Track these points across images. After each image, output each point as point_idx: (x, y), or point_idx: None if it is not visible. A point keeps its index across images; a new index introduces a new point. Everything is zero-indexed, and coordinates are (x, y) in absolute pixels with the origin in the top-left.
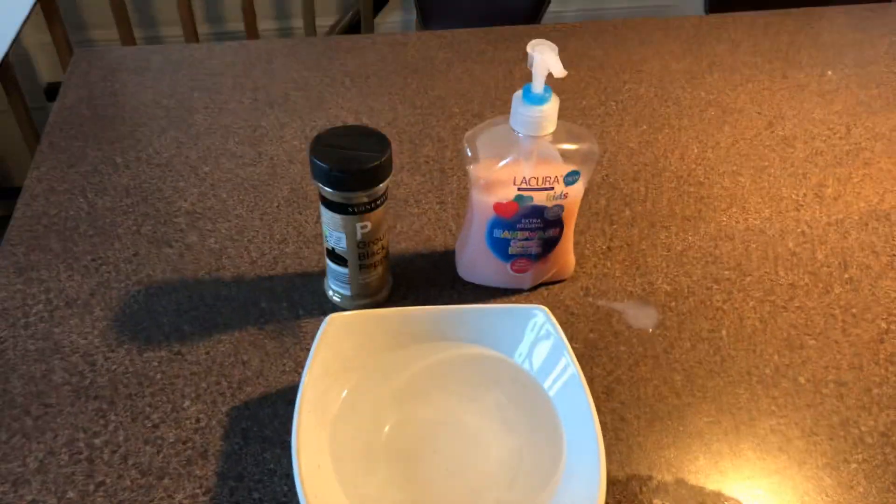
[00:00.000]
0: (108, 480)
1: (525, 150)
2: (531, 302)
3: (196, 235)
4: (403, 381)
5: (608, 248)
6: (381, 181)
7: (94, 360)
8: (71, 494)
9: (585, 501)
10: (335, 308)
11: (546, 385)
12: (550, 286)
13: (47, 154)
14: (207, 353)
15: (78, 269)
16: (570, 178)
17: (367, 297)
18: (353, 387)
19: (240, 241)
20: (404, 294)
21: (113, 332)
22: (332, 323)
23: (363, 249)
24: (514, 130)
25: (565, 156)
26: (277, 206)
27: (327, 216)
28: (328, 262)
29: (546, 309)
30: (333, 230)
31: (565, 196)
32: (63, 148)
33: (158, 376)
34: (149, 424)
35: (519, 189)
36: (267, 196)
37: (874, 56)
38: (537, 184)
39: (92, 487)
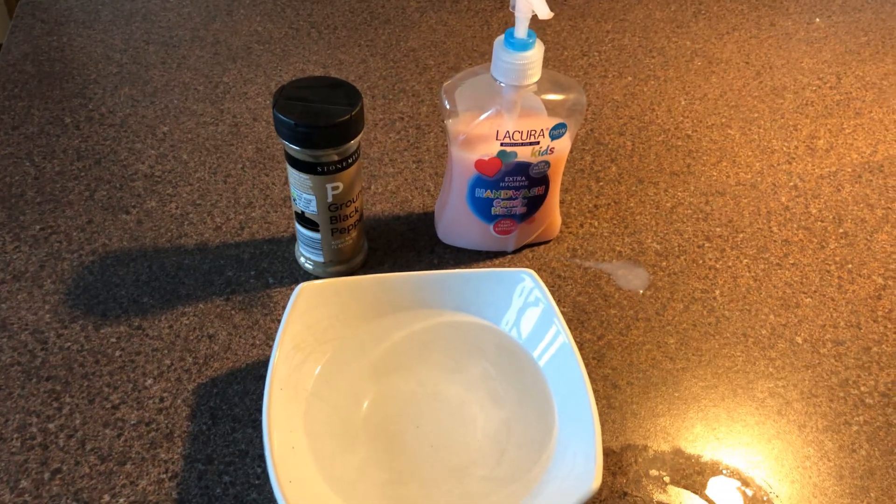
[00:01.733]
0: (64, 467)
1: (508, 102)
2: (516, 265)
3: (155, 201)
4: (382, 352)
5: (594, 206)
6: (353, 137)
7: (45, 337)
8: (24, 483)
9: (581, 476)
10: (307, 276)
11: (535, 354)
12: (535, 248)
13: None
14: (170, 327)
15: (25, 239)
16: (557, 132)
17: (340, 264)
18: (327, 360)
19: (202, 206)
20: (381, 260)
21: (66, 307)
22: (303, 292)
23: (335, 212)
24: (495, 80)
25: (550, 107)
26: (242, 168)
27: (295, 177)
28: (298, 226)
29: (534, 273)
30: (302, 192)
31: (551, 151)
32: (6, 108)
33: (117, 353)
34: (108, 406)
35: (502, 144)
36: (230, 157)
37: (861, 2)
38: (521, 138)
39: (47, 475)
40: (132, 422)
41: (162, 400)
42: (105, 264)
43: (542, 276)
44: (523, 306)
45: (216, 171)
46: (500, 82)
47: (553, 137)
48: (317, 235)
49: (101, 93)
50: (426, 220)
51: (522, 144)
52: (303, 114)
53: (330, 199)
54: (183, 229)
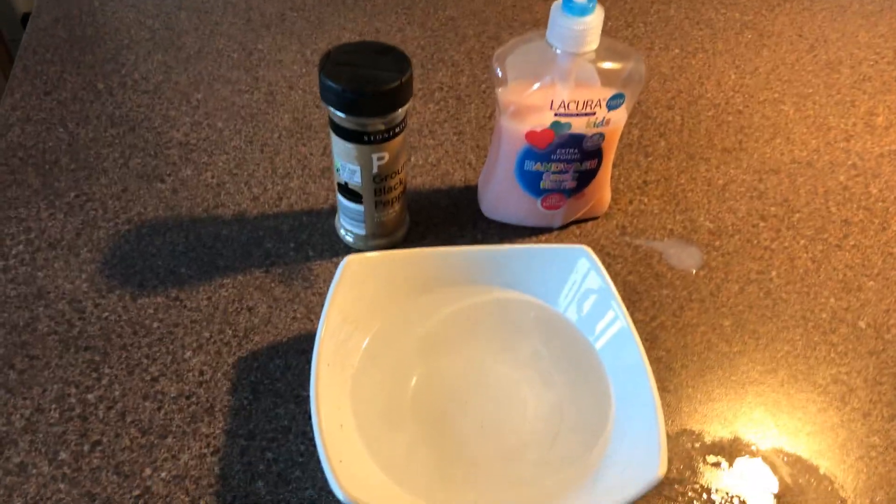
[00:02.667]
0: (104, 439)
1: (563, 70)
2: (563, 241)
3: (191, 169)
4: (429, 329)
5: (644, 182)
6: (401, 105)
7: (82, 307)
8: (63, 455)
9: (644, 463)
10: (348, 249)
11: (591, 337)
12: (583, 224)
13: (21, 80)
14: (209, 298)
15: (61, 206)
16: (614, 102)
17: (382, 237)
18: (373, 336)
19: (239, 176)
20: (422, 234)
21: (102, 277)
22: (350, 265)
23: (380, 184)
24: (551, 47)
25: (606, 77)
26: (279, 137)
27: (339, 146)
28: (340, 198)
29: (590, 251)
30: (346, 162)
31: (607, 123)
32: (38, 73)
33: (155, 325)
34: (147, 378)
35: (556, 115)
36: (266, 126)
37: None
38: (577, 109)
39: (87, 448)
40: (172, 395)
41: (202, 373)
42: (141, 233)
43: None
44: (579, 286)
45: (252, 140)
46: (556, 49)
47: (610, 108)
48: (360, 208)
49: (133, 59)
50: (468, 194)
51: (577, 115)
52: (351, 79)
53: (375, 170)
54: (220, 199)
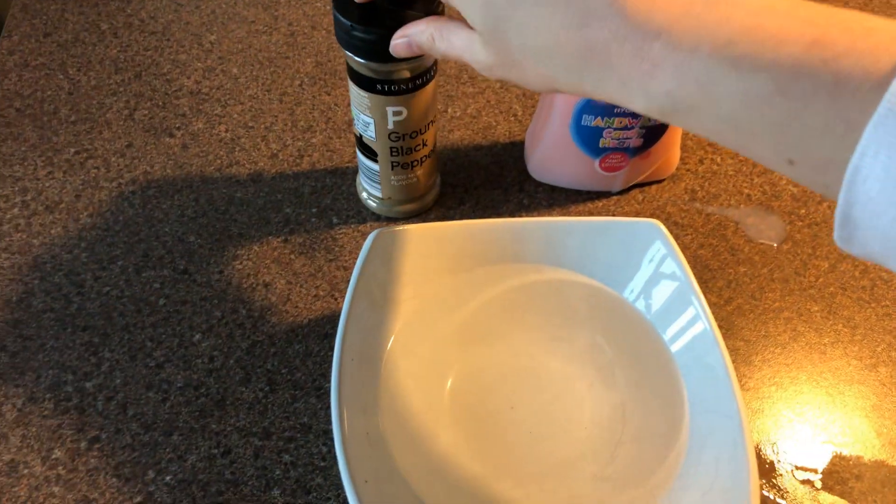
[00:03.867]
0: (103, 435)
1: None
2: (623, 208)
3: (202, 122)
4: (469, 314)
5: None
6: None
7: (81, 280)
8: (58, 454)
9: (729, 489)
10: (374, 216)
11: (665, 335)
12: (645, 188)
13: (20, 20)
14: (221, 272)
15: (59, 164)
16: None
17: (407, 202)
18: (405, 324)
19: (255, 129)
20: (459, 198)
21: (104, 245)
22: (379, 240)
23: (396, 143)
24: None
25: None
26: (300, 85)
27: (353, 92)
28: (358, 152)
29: (663, 228)
30: (360, 112)
31: None
32: (37, 12)
33: (161, 302)
34: (151, 364)
35: None
36: (287, 72)
37: None
38: None
39: (84, 445)
40: (178, 384)
41: (212, 359)
42: (147, 195)
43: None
44: (650, 269)
45: (270, 89)
46: None
47: None
48: (376, 167)
49: None
50: (513, 152)
51: None
52: (366, 15)
53: (391, 126)
54: (234, 156)
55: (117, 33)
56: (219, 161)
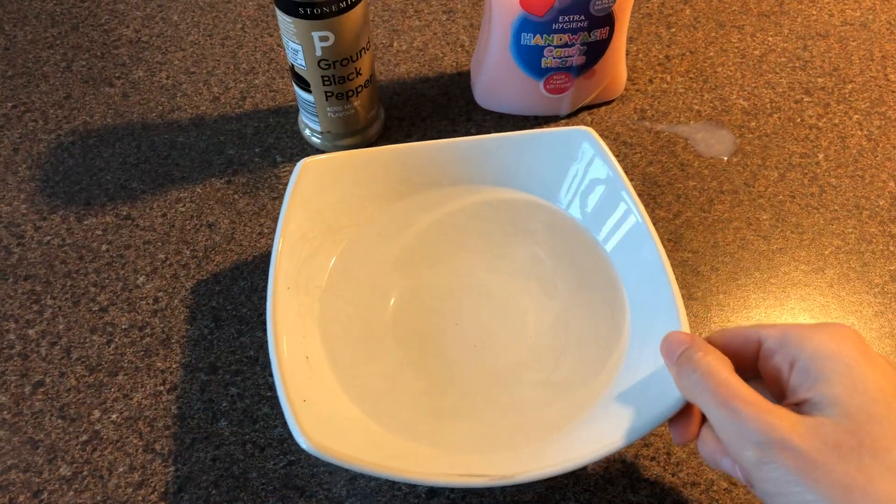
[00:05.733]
0: (47, 379)
1: None
2: None
3: (143, 70)
4: (408, 239)
5: (666, 57)
6: None
7: (21, 231)
8: (2, 398)
9: (665, 383)
10: (317, 152)
11: (598, 236)
12: (594, 110)
13: None
14: (164, 215)
15: None
16: None
17: (348, 136)
18: (343, 252)
19: (197, 75)
20: (407, 131)
21: (44, 196)
22: (306, 170)
23: (327, 72)
24: None
25: None
26: (242, 28)
27: (280, 18)
28: (293, 84)
29: (593, 133)
30: (288, 39)
31: None
32: None
33: (104, 248)
34: (95, 308)
35: None
36: (228, 16)
37: None
38: None
39: (28, 389)
40: (123, 326)
41: (156, 300)
42: (87, 145)
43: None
44: (582, 176)
45: (212, 34)
46: None
47: None
48: (310, 97)
49: None
50: (461, 82)
51: None
52: None
53: (319, 53)
54: (175, 102)
55: None
56: (160, 108)
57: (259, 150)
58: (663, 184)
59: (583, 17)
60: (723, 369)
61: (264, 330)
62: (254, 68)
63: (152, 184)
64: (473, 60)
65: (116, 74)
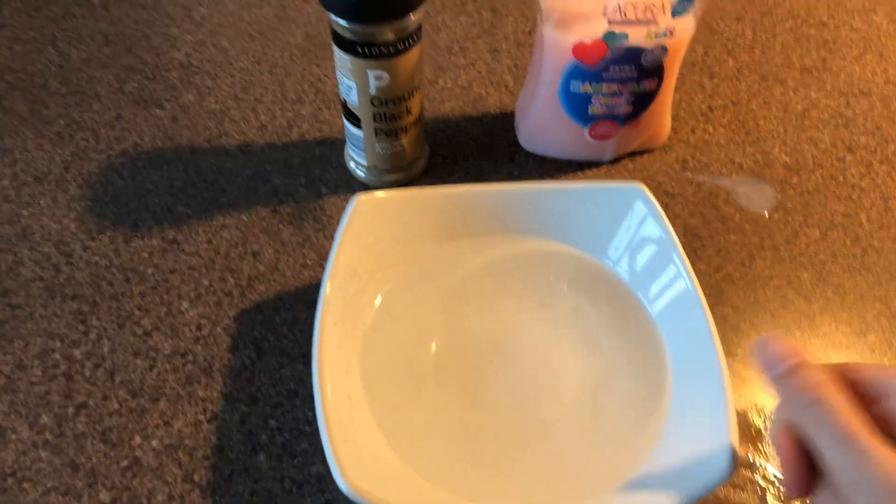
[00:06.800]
0: (91, 402)
1: None
2: (613, 178)
3: (192, 94)
4: (453, 281)
5: (709, 107)
6: (408, 10)
7: (70, 250)
8: (45, 419)
9: (708, 451)
10: (363, 186)
11: (647, 297)
12: (636, 157)
13: None
14: (209, 241)
15: (49, 136)
16: (681, 7)
17: (394, 171)
18: (389, 290)
19: (245, 101)
20: (449, 169)
21: (93, 216)
22: (361, 206)
23: (379, 109)
24: None
25: None
26: (290, 57)
27: (336, 55)
28: (343, 118)
29: (646, 190)
30: (343, 75)
31: (671, 33)
32: None
33: (150, 271)
34: (139, 332)
35: (610, 22)
36: (277, 44)
37: None
38: (635, 15)
39: (71, 410)
40: (166, 352)
41: (199, 327)
42: (136, 167)
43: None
44: (633, 234)
45: (260, 61)
46: None
47: (676, 14)
48: (360, 133)
49: None
50: (504, 123)
51: (636, 24)
52: None
53: (373, 91)
54: (223, 127)
55: (108, 7)
56: (208, 132)
57: (305, 180)
58: (704, 236)
59: (633, 68)
60: (844, 402)
61: (305, 363)
62: (301, 98)
63: (198, 209)
64: (519, 102)
65: (167, 97)
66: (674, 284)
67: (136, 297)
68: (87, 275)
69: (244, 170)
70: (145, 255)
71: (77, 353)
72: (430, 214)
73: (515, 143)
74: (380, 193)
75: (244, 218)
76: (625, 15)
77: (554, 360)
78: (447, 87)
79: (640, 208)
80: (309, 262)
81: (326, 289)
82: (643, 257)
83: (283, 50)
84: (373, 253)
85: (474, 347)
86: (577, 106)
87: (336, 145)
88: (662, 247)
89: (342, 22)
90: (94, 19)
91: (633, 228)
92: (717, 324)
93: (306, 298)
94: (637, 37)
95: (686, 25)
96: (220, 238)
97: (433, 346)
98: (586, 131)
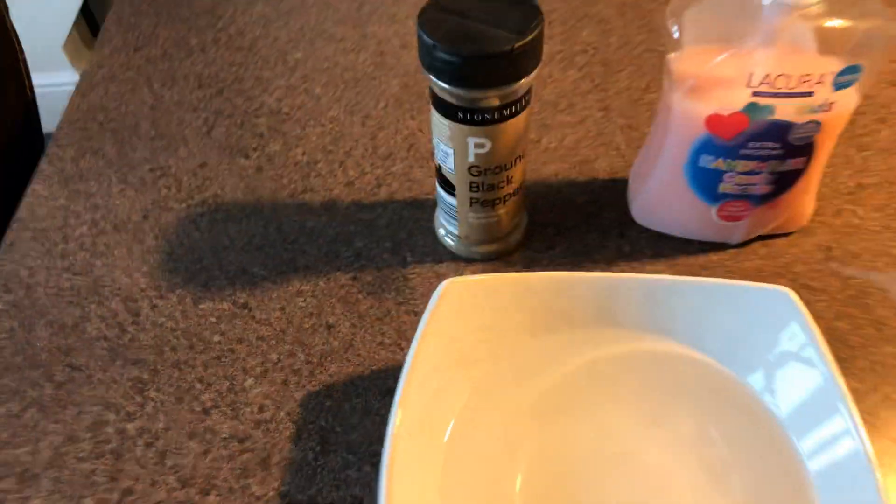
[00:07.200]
0: (138, 487)
1: (770, 30)
2: (740, 264)
3: (279, 143)
4: (549, 384)
5: (858, 185)
6: (519, 77)
7: (138, 307)
8: (88, 502)
9: None
10: (451, 255)
11: (801, 445)
12: (769, 240)
13: (113, 34)
14: (282, 309)
15: (133, 181)
16: (846, 79)
17: (487, 243)
18: (474, 391)
19: (334, 154)
20: (549, 240)
21: (164, 271)
22: (449, 292)
23: (477, 178)
24: None
25: (830, 40)
26: (384, 108)
27: (434, 118)
28: (437, 183)
29: (795, 297)
30: (440, 141)
31: (828, 107)
32: (132, 26)
33: (216, 338)
34: (198, 409)
35: (755, 94)
36: (371, 93)
37: None
38: (788, 85)
39: (116, 496)
40: (223, 435)
41: (262, 409)
42: (215, 219)
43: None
44: (784, 358)
45: (353, 111)
46: (765, 0)
47: (838, 87)
48: (454, 201)
49: (232, 10)
50: (615, 191)
51: (788, 96)
52: (450, 33)
53: (471, 160)
54: (309, 182)
55: (205, 48)
56: (293, 186)
57: (390, 244)
58: (855, 345)
59: (777, 145)
60: None
61: (373, 464)
62: (392, 153)
63: (274, 270)
64: (633, 169)
65: (253, 146)
66: (838, 441)
67: (198, 368)
68: (151, 337)
69: (327, 229)
70: (213, 319)
71: (130, 427)
72: (525, 302)
73: (627, 214)
74: (472, 278)
75: (322, 284)
76: (775, 84)
77: (668, 497)
78: (551, 146)
79: (794, 330)
80: (387, 340)
81: (404, 386)
82: (796, 390)
83: (378, 100)
84: (459, 345)
85: (570, 470)
86: (706, 183)
87: (426, 207)
88: (823, 385)
89: (443, 85)
90: (191, 61)
91: (785, 350)
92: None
93: (381, 385)
94: (786, 110)
95: (848, 99)
96: (294, 306)
97: (523, 465)
98: (714, 211)
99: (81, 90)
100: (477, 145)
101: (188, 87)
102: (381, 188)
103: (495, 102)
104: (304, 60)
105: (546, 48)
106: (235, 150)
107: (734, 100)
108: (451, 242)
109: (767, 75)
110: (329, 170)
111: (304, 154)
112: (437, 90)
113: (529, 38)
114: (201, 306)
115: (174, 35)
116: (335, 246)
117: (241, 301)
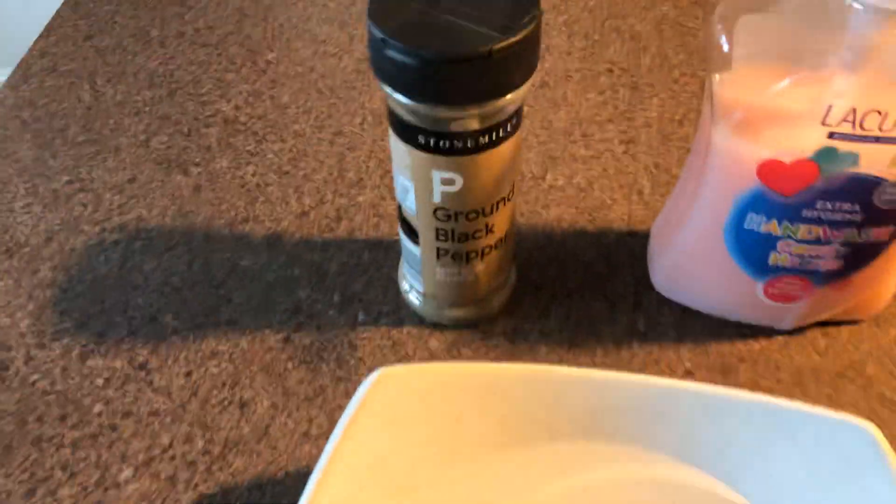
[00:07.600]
0: None
1: (860, 47)
2: (791, 359)
3: (228, 159)
4: None
5: None
6: (502, 91)
7: (10, 358)
8: None
9: None
10: (416, 318)
11: None
12: (830, 328)
13: (65, 19)
14: (188, 374)
15: (44, 194)
16: None
17: (461, 306)
18: None
19: (291, 176)
20: (543, 307)
21: (55, 312)
22: (382, 387)
23: (445, 224)
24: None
25: None
26: (361, 124)
27: (392, 141)
28: (399, 228)
29: (879, 437)
30: (399, 171)
31: None
32: (88, 12)
33: (97, 408)
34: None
35: (832, 135)
36: (348, 106)
37: None
38: (881, 126)
39: None
40: None
41: None
42: (130, 249)
43: (846, 392)
44: (846, 496)
45: (323, 126)
46: (856, 3)
47: None
48: (417, 251)
49: (205, 1)
50: (633, 246)
51: (879, 140)
52: (408, 26)
53: (437, 200)
54: (254, 209)
55: (165, 42)
56: (233, 213)
57: (339, 297)
58: None
59: (858, 209)
60: None
61: None
62: (361, 179)
63: (189, 321)
64: (658, 222)
65: (196, 160)
66: None
67: (64, 449)
68: (15, 400)
69: (265, 272)
70: (100, 381)
71: None
72: (489, 404)
73: (645, 279)
74: (413, 367)
75: (244, 345)
76: (862, 124)
77: None
78: (557, 184)
79: (862, 464)
80: (314, 432)
81: None
82: None
83: (354, 115)
84: (390, 468)
85: None
86: (752, 250)
87: (392, 252)
88: None
89: (398, 97)
90: (146, 55)
91: (846, 493)
92: None
93: (295, 491)
94: (874, 160)
95: None
96: (205, 372)
97: None
98: (760, 287)
99: (11, 82)
100: (444, 181)
101: (136, 86)
102: (340, 222)
103: (472, 126)
104: (277, 63)
105: (562, 65)
106: (174, 165)
107: (801, 142)
108: (416, 302)
109: (852, 110)
110: (281, 195)
111: (254, 174)
112: (391, 103)
113: (517, 38)
114: (89, 363)
115: (133, 24)
116: (271, 294)
117: (140, 359)
